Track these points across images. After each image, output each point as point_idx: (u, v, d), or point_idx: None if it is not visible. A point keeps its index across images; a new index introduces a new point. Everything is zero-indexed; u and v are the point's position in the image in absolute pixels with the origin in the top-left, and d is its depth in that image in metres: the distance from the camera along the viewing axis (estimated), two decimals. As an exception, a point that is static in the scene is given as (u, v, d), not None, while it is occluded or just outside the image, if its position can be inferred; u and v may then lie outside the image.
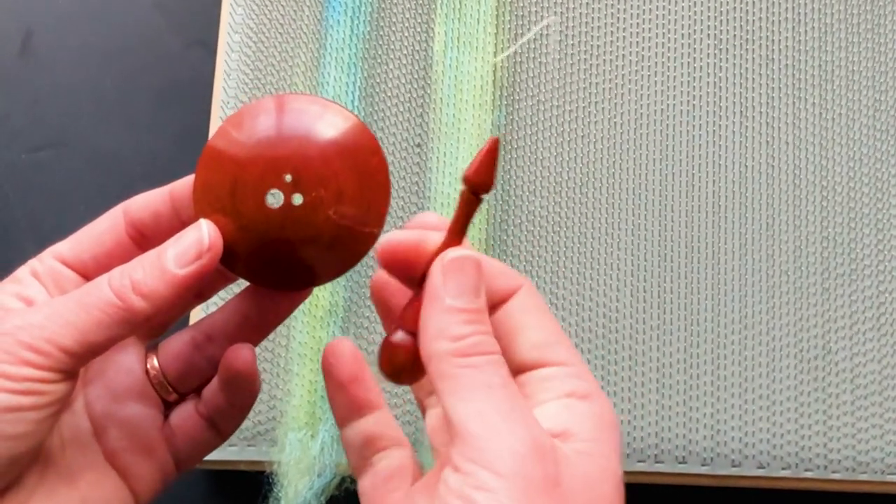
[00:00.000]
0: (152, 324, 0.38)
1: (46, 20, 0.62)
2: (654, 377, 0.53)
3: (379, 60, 0.57)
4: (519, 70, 0.56)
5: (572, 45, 0.57)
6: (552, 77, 0.56)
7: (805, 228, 0.54)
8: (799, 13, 0.57)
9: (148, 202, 0.37)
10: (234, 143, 0.35)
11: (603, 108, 0.56)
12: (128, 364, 0.38)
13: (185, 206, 0.36)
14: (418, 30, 0.57)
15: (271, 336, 0.52)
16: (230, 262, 0.36)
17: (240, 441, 0.51)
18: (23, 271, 0.37)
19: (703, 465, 0.52)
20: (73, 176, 0.60)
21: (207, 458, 0.51)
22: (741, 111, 0.56)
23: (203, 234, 0.34)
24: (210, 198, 0.35)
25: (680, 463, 0.52)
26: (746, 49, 0.57)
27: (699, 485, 0.52)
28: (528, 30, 0.57)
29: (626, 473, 0.51)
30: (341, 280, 0.53)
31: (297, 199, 0.34)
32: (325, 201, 0.34)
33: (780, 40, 0.57)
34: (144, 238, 0.37)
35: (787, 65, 0.56)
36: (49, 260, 0.37)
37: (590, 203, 0.55)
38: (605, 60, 0.56)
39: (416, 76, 0.56)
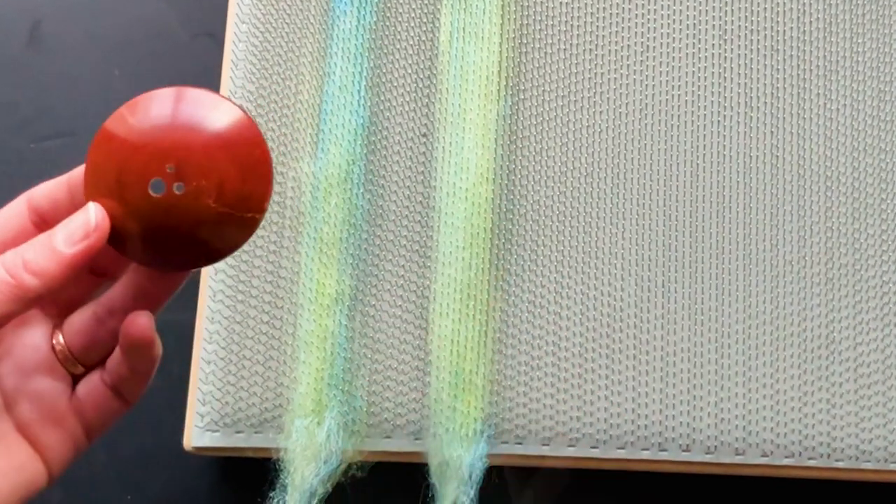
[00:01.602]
0: (54, 300, 0.41)
1: (54, 10, 0.63)
2: (659, 366, 0.53)
3: (385, 51, 0.57)
4: (524, 60, 0.57)
5: (578, 35, 0.57)
6: (558, 67, 0.57)
7: (809, 218, 0.55)
8: (804, 3, 0.57)
9: (48, 190, 0.40)
10: (125, 129, 0.37)
11: (608, 99, 0.56)
12: (35, 341, 0.41)
13: (80, 193, 0.39)
14: (424, 20, 0.57)
15: (277, 324, 0.52)
16: (119, 244, 0.38)
17: (247, 428, 0.52)
18: None
19: (707, 453, 0.52)
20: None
21: (214, 444, 0.51)
22: (746, 101, 0.56)
23: (90, 216, 0.37)
24: (98, 182, 0.37)
25: (684, 451, 0.52)
26: (751, 40, 0.57)
27: (703, 473, 0.52)
28: (534, 20, 0.57)
29: (630, 461, 0.52)
30: (347, 269, 0.53)
31: (179, 188, 0.36)
32: (206, 191, 0.36)
33: (784, 31, 0.57)
34: (46, 224, 0.39)
35: (791, 55, 0.56)
36: None
37: (594, 193, 0.55)
38: (610, 51, 0.57)
39: (422, 66, 0.57)
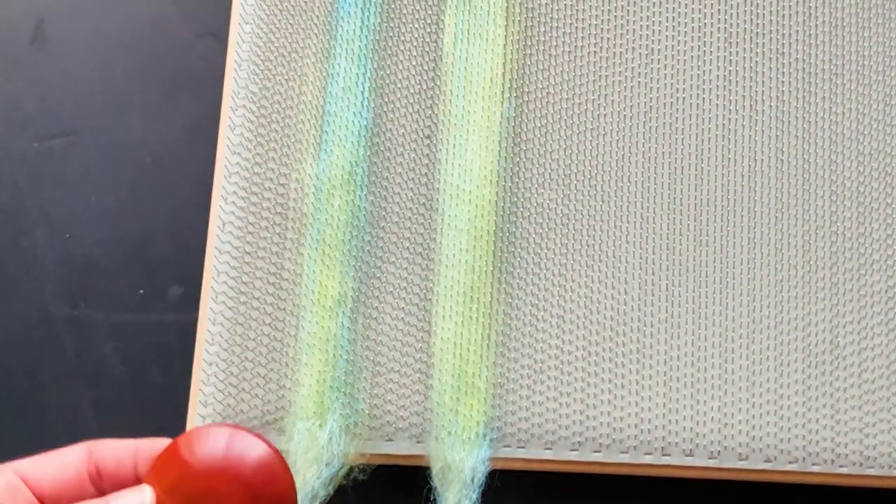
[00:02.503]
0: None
1: (58, 8, 0.63)
2: (662, 370, 0.53)
3: (389, 52, 0.57)
4: (528, 63, 0.56)
5: (582, 37, 0.57)
6: (562, 70, 0.56)
7: (814, 223, 0.54)
8: (810, 6, 0.57)
9: (115, 448, 0.42)
10: (202, 466, 0.40)
11: (612, 101, 0.56)
12: None
13: (145, 463, 0.41)
14: (428, 22, 0.57)
15: (279, 326, 0.52)
16: None
17: (248, 430, 0.52)
18: None
19: (710, 458, 0.52)
20: (84, 164, 0.60)
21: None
22: (751, 105, 0.56)
23: (145, 500, 0.39)
24: (155, 477, 0.40)
25: (687, 456, 0.52)
26: (756, 43, 0.56)
27: (706, 478, 0.52)
28: (539, 22, 0.57)
29: (634, 466, 0.52)
30: (350, 271, 0.53)
31: None
32: None
33: (790, 34, 0.56)
34: (100, 478, 0.41)
35: (797, 58, 0.56)
36: (9, 473, 0.40)
37: (598, 196, 0.55)
38: (615, 53, 0.56)
39: (426, 68, 0.56)
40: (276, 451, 0.41)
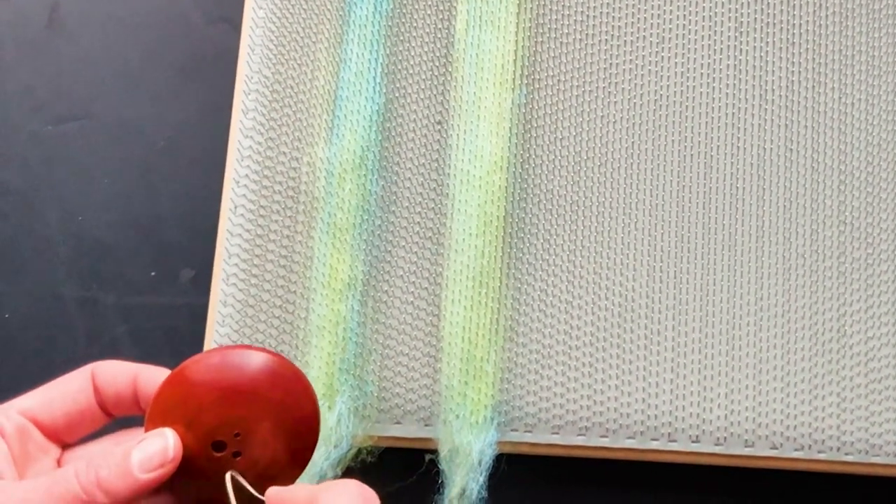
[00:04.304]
0: (58, 433, 0.41)
1: (73, -7, 0.63)
2: (669, 356, 0.53)
3: (401, 38, 0.57)
4: (540, 50, 0.57)
5: (593, 25, 0.57)
6: (573, 57, 0.57)
7: (822, 212, 0.55)
8: (821, -3, 0.57)
9: (114, 373, 0.40)
10: (206, 380, 0.38)
11: (623, 90, 0.56)
12: None
13: (144, 397, 0.40)
14: (441, 8, 0.57)
15: (289, 308, 0.53)
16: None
17: (258, 411, 0.52)
18: None
19: (716, 444, 0.52)
20: (97, 148, 0.61)
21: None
22: (760, 94, 0.56)
23: (168, 446, 0.37)
24: (167, 415, 0.38)
25: (693, 442, 0.52)
26: (766, 32, 0.57)
27: (712, 464, 0.53)
28: (550, 9, 0.57)
29: (640, 451, 0.52)
30: (360, 254, 0.54)
31: (236, 454, 0.38)
32: (259, 462, 0.38)
33: (800, 24, 0.57)
34: (107, 405, 0.40)
35: (807, 48, 0.56)
36: (16, 416, 0.39)
37: (608, 183, 0.55)
38: (625, 42, 0.57)
39: (437, 54, 0.57)
40: (280, 356, 0.39)
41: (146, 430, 0.38)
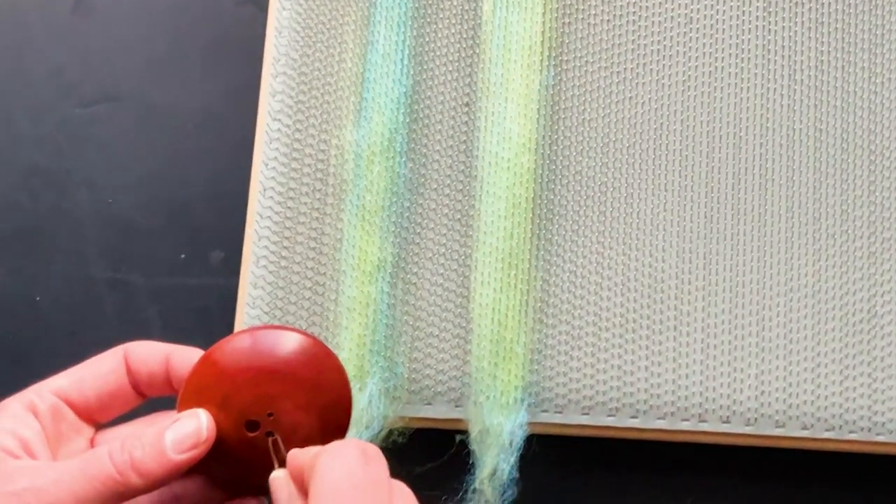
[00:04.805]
0: (92, 413, 0.41)
1: (100, -24, 0.63)
2: (699, 337, 0.53)
3: (428, 20, 0.57)
4: (567, 31, 0.56)
5: (621, 5, 0.57)
6: (601, 38, 0.56)
7: (852, 192, 0.54)
8: (851, -24, 0.57)
9: (146, 359, 0.40)
10: (238, 361, 0.38)
11: (651, 70, 0.56)
12: None
13: (177, 378, 0.40)
14: (468, -11, 0.57)
15: (319, 290, 0.53)
16: None
17: (289, 393, 0.52)
18: (16, 405, 0.39)
19: (747, 425, 0.52)
20: (126, 130, 0.61)
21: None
22: (790, 74, 0.56)
23: (202, 427, 0.37)
24: (202, 395, 0.38)
25: (724, 423, 0.52)
26: (795, 12, 0.56)
27: (743, 445, 0.53)
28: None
29: (670, 432, 0.52)
30: (389, 236, 0.54)
31: (269, 433, 0.38)
32: (291, 442, 0.38)
33: (829, 3, 0.56)
34: (140, 385, 0.40)
35: (836, 28, 0.56)
36: (49, 396, 0.39)
37: (636, 164, 0.55)
38: (653, 22, 0.56)
39: (465, 35, 0.57)
40: (312, 337, 0.39)
41: (179, 411, 0.38)
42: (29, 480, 0.36)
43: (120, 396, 0.40)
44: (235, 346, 0.38)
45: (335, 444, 0.36)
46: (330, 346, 0.51)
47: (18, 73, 0.62)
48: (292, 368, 0.38)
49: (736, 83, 0.56)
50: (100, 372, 0.40)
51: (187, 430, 0.37)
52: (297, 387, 0.38)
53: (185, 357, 0.40)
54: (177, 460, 0.37)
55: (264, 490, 0.38)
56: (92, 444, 0.40)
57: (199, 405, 0.38)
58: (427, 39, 0.57)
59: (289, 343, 0.39)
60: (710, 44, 0.56)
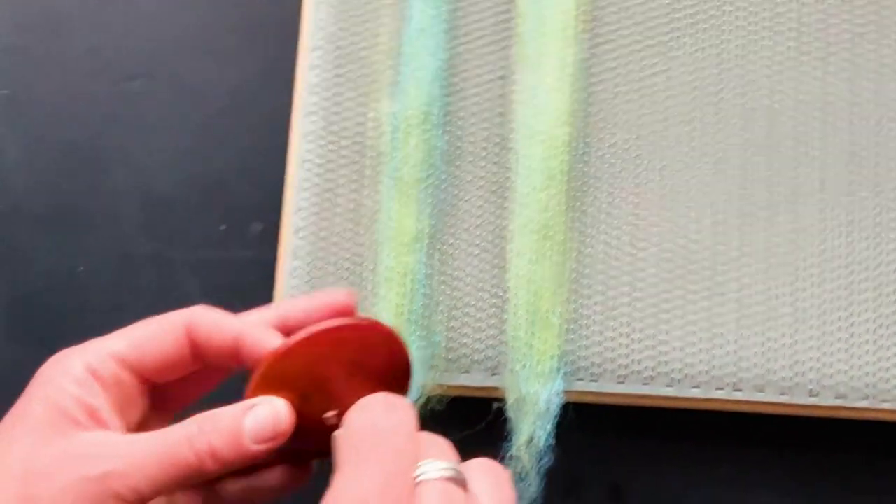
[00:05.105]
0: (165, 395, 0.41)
1: (137, -47, 0.64)
2: (734, 307, 0.53)
3: (463, -6, 0.57)
4: (602, 4, 0.57)
5: (655, -21, 0.57)
6: (634, 11, 0.57)
7: (886, 164, 0.55)
8: (885, -52, 0.57)
9: (214, 335, 0.39)
10: (319, 356, 0.38)
11: (685, 43, 0.56)
12: None
13: (249, 359, 0.39)
14: (503, -37, 0.57)
15: (358, 260, 0.54)
16: None
17: (328, 361, 0.53)
18: (78, 367, 0.37)
19: (781, 394, 0.53)
20: (164, 105, 0.61)
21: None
22: (824, 46, 0.56)
23: (281, 418, 0.37)
24: (277, 385, 0.38)
25: (758, 392, 0.53)
26: (829, -15, 0.56)
27: (777, 413, 0.53)
28: (612, -36, 0.57)
29: (704, 401, 0.52)
30: (426, 208, 0.54)
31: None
32: None
33: (864, -24, 0.56)
34: (201, 356, 0.40)
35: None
36: (111, 364, 0.38)
37: (670, 136, 0.55)
38: (687, -4, 0.57)
39: (500, 10, 0.57)
40: (391, 330, 0.39)
41: (252, 396, 0.38)
42: (107, 463, 0.35)
43: (179, 366, 0.40)
44: (317, 337, 0.38)
45: (364, 398, 0.37)
46: (368, 314, 0.52)
47: (55, 52, 0.63)
48: (372, 364, 0.39)
49: (769, 56, 0.56)
50: (162, 344, 0.39)
51: (266, 421, 0.37)
52: (376, 383, 0.38)
53: (258, 340, 0.39)
54: (254, 450, 0.37)
55: (323, 454, 0.38)
56: (151, 409, 0.40)
57: (275, 393, 0.38)
58: (463, 13, 0.57)
59: (373, 337, 0.39)
60: (744, 17, 0.56)
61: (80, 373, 0.37)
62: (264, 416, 0.37)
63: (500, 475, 0.37)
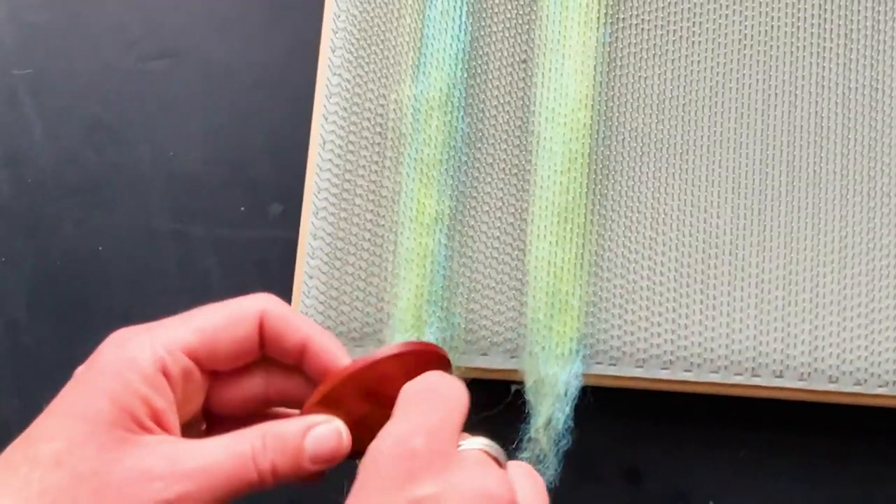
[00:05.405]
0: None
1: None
2: (754, 293, 0.53)
3: (486, -23, 0.57)
4: (624, -12, 0.57)
5: (679, -37, 0.57)
6: (657, -4, 0.57)
7: (908, 151, 0.55)
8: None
9: (283, 335, 0.38)
10: (380, 384, 0.38)
11: (707, 29, 0.56)
12: None
13: (313, 367, 0.39)
14: (526, -54, 0.57)
15: (378, 241, 0.54)
16: None
17: (348, 341, 0.53)
18: (147, 361, 0.35)
19: (800, 380, 0.53)
20: (188, 85, 0.62)
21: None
22: (846, 33, 0.56)
23: (342, 443, 0.37)
24: (338, 407, 0.38)
25: (777, 377, 0.53)
26: (854, -29, 0.56)
27: (796, 399, 0.53)
28: (636, -53, 0.57)
29: (723, 386, 0.53)
30: (447, 189, 0.54)
31: None
32: None
33: (889, -38, 0.56)
34: (266, 350, 0.39)
35: (895, -13, 0.56)
36: (182, 359, 0.36)
37: (692, 121, 0.55)
38: (710, -20, 0.57)
39: (522, -8, 0.57)
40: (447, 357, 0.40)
41: (314, 411, 0.38)
42: (180, 484, 0.34)
43: (246, 357, 0.38)
44: (384, 368, 0.38)
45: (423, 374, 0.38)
46: (387, 297, 0.52)
47: (81, 29, 0.63)
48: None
49: (791, 41, 0.56)
50: (235, 336, 0.37)
51: (329, 444, 0.37)
52: None
53: (324, 349, 0.38)
54: (311, 470, 0.36)
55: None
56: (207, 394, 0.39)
57: (335, 411, 0.38)
58: (485, -4, 0.57)
59: (431, 363, 0.39)
60: (767, 3, 0.56)
61: (149, 369, 0.35)
62: (327, 438, 0.37)
63: (539, 480, 0.37)
